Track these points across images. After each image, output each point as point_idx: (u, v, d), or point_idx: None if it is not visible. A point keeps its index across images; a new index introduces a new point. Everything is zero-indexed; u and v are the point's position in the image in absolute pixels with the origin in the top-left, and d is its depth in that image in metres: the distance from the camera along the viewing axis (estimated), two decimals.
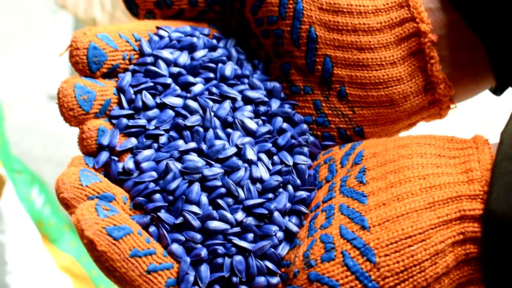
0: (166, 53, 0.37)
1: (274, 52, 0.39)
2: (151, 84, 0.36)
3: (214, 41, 0.40)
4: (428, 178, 0.30)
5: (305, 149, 0.37)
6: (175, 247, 0.32)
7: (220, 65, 0.38)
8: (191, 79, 0.37)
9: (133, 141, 0.35)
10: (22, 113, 1.39)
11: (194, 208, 0.33)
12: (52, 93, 1.44)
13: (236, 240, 0.32)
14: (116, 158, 0.34)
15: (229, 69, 0.38)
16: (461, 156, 0.31)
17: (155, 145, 0.35)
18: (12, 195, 0.97)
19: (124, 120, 0.35)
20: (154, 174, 0.34)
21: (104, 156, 0.34)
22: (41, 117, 1.41)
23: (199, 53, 0.38)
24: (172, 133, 0.35)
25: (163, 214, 0.32)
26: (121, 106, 0.36)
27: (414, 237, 0.29)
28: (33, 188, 1.06)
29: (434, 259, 0.29)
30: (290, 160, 0.36)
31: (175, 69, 0.37)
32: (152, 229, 0.32)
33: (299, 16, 0.37)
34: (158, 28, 0.39)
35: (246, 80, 0.39)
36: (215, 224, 0.32)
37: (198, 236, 0.32)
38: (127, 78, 0.36)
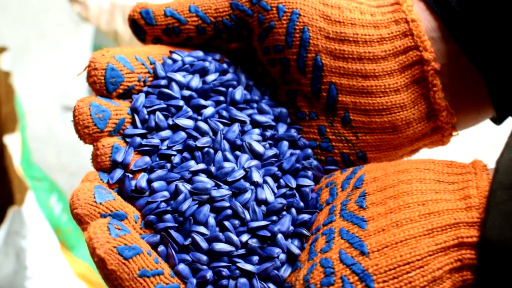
0: (179, 76, 0.38)
1: (280, 79, 0.40)
2: (164, 105, 0.37)
3: (225, 66, 0.41)
4: (427, 204, 0.31)
5: (309, 173, 0.38)
6: (182, 267, 0.32)
7: (230, 89, 0.39)
8: (202, 102, 0.38)
9: (147, 160, 0.36)
10: (37, 123, 1.40)
11: (202, 229, 0.33)
12: (67, 104, 1.46)
13: (241, 264, 0.33)
14: (130, 175, 0.35)
15: (239, 93, 0.39)
16: (459, 181, 0.31)
17: (168, 165, 0.36)
18: (33, 202, 0.98)
19: (138, 139, 0.36)
20: (166, 194, 0.34)
21: (118, 173, 0.35)
22: (56, 127, 1.42)
23: (211, 77, 0.39)
24: (185, 154, 0.36)
25: (173, 233, 0.33)
26: (134, 126, 0.37)
27: (412, 263, 0.29)
28: (51, 196, 1.07)
29: (431, 285, 0.29)
30: (293, 183, 0.37)
31: (187, 92, 0.38)
32: (161, 248, 0.33)
33: (306, 45, 0.38)
34: (171, 52, 0.40)
35: (255, 105, 0.40)
36: (220, 246, 0.33)
37: (204, 258, 0.33)
38: (141, 99, 0.37)
